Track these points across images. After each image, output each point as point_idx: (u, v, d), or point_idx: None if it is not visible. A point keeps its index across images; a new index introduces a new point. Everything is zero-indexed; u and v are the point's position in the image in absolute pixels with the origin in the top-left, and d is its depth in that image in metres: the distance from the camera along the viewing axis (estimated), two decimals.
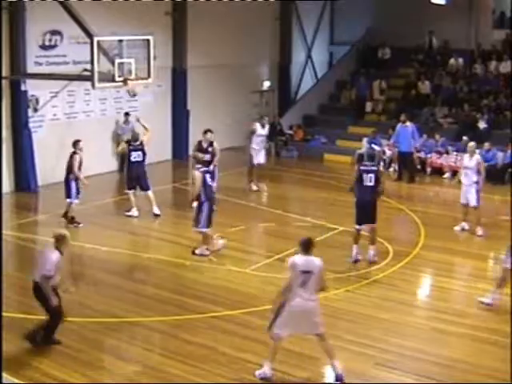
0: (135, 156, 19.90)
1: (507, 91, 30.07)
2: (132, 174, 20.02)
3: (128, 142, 20.28)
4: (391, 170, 27.37)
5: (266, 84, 33.00)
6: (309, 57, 36.63)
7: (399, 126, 26.19)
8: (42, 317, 11.71)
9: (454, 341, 12.38)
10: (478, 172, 19.12)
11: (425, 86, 31.59)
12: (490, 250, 18.07)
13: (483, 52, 32.58)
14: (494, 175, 25.19)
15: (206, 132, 20.40)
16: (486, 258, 17.55)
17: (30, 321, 12.17)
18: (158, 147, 26.75)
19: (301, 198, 22.83)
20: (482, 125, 28.10)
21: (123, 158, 21.38)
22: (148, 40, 18.89)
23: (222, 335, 12.23)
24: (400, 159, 26.35)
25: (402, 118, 26.18)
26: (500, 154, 26.32)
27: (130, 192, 20.09)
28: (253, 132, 23.65)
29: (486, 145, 26.20)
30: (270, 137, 30.66)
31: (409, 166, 26.16)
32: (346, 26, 36.46)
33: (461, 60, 32.35)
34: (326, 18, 37.29)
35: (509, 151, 26.12)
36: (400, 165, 26.35)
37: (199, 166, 17.02)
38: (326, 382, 11.10)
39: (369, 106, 31.81)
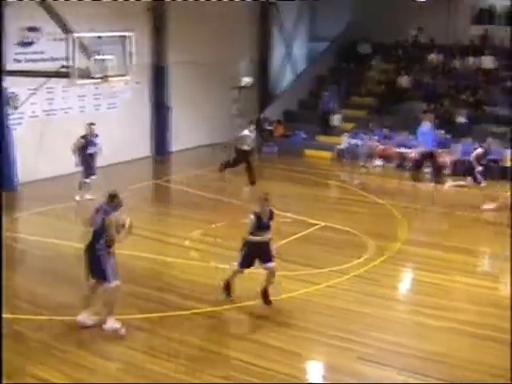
0: (91, 149, 20.94)
1: (486, 86, 30.25)
2: (90, 164, 20.98)
3: (84, 137, 20.94)
4: (376, 164, 27.56)
5: (245, 80, 32.95)
6: (288, 53, 36.66)
7: (423, 124, 25.31)
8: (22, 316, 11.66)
9: (435, 334, 12.40)
10: None
11: (404, 81, 31.68)
12: (471, 243, 18.18)
13: (462, 47, 32.74)
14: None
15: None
16: (467, 251, 17.62)
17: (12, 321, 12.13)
18: (137, 144, 26.74)
19: (282, 193, 22.79)
20: (460, 119, 28.21)
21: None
22: (127, 37, 18.82)
23: (204, 332, 12.22)
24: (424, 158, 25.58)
25: (428, 116, 25.64)
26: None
27: (88, 180, 20.95)
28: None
29: (467, 140, 26.34)
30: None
31: (434, 165, 25.61)
32: (325, 21, 36.47)
33: (440, 55, 32.49)
34: (305, 13, 37.35)
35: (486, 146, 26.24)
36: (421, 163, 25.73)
37: None
38: (307, 377, 11.14)
39: (337, 120, 31.14)
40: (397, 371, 10.96)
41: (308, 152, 29.42)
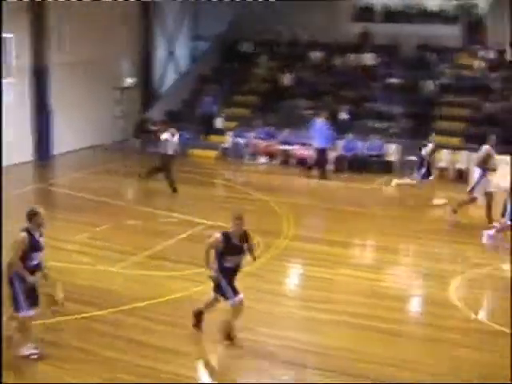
0: None
1: (366, 83, 30.85)
2: None
3: None
4: (261, 161, 27.77)
5: (128, 81, 32.72)
6: (171, 52, 36.54)
7: (318, 121, 25.70)
8: None
9: (325, 328, 12.53)
10: None
11: (287, 79, 31.96)
12: (355, 237, 18.54)
13: (343, 45, 33.28)
14: (356, 164, 26.02)
15: None
16: (351, 245, 17.97)
17: None
18: (17, 148, 26.10)
19: (168, 193, 22.69)
20: (342, 116, 28.65)
21: None
22: (6, 38, 18.39)
23: (92, 335, 12.02)
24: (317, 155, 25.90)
25: (323, 114, 25.87)
26: (361, 144, 27.01)
27: None
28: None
29: (349, 136, 26.79)
30: (135, 134, 30.55)
31: (322, 162, 25.83)
32: (207, 20, 36.55)
33: (321, 53, 32.92)
34: (187, 12, 37.31)
35: (371, 141, 26.82)
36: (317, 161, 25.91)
37: None
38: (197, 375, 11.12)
39: (219, 122, 31.01)
40: (287, 365, 11.03)
41: (193, 151, 29.31)
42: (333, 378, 10.71)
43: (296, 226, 19.12)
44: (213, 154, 28.99)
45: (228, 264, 11.57)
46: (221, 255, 11.54)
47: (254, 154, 28.31)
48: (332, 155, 26.39)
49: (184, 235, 17.87)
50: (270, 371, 10.95)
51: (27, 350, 11.10)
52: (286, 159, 27.74)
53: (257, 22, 33.10)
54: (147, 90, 34.53)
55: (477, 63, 30.66)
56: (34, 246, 10.84)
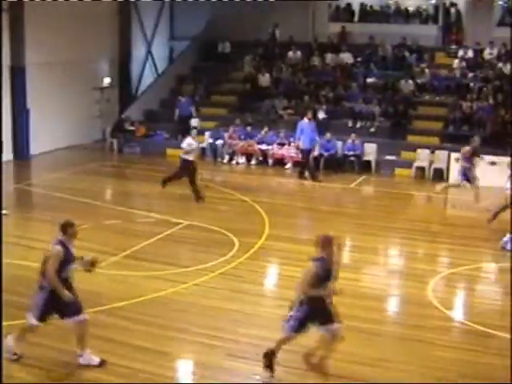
0: None
1: (344, 82, 30.93)
2: None
3: None
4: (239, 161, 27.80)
5: (106, 80, 32.65)
6: (149, 52, 36.49)
7: (303, 122, 25.54)
8: None
9: None
10: None
11: (265, 79, 31.97)
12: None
13: (321, 44, 33.35)
14: (333, 164, 26.12)
15: None
16: None
17: None
18: None
19: (145, 193, 22.68)
20: (321, 115, 28.69)
21: None
22: None
23: (71, 335, 11.97)
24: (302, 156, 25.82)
25: (308, 115, 25.72)
26: (339, 144, 27.08)
27: None
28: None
29: (327, 135, 26.83)
30: (113, 134, 30.48)
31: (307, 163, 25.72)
32: (186, 20, 36.50)
33: (299, 53, 32.97)
34: (166, 12, 37.29)
35: (349, 141, 26.88)
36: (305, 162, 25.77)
37: None
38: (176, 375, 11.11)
39: (195, 123, 30.38)
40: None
41: (170, 151, 29.20)
42: (310, 377, 10.73)
43: (273, 225, 19.12)
44: None
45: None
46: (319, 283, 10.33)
47: (232, 154, 28.30)
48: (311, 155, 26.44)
49: (162, 235, 17.86)
50: (247, 371, 10.97)
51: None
52: (264, 159, 27.75)
53: (235, 21, 33.10)
54: (125, 90, 34.45)
55: (455, 62, 30.79)
56: (68, 259, 10.75)
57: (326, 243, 10.57)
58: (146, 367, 10.91)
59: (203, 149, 28.91)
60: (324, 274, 10.29)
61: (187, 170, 21.75)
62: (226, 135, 28.60)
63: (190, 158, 21.81)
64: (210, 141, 29.07)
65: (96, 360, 10.95)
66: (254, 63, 33.45)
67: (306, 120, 25.42)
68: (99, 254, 13.72)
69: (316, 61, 32.82)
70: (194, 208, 20.41)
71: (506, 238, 17.33)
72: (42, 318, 10.84)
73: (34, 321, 10.83)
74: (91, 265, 11.14)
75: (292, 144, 26.82)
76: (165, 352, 11.48)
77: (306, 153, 25.35)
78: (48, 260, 10.67)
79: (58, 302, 10.67)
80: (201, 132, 29.61)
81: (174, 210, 20.33)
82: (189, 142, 21.93)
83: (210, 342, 11.90)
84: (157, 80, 35.33)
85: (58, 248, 10.67)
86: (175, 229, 18.45)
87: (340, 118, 29.25)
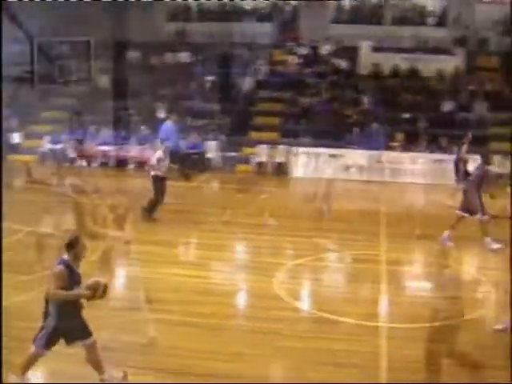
0: None
1: (183, 81, 30.95)
2: None
3: None
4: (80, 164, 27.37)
5: None
6: None
7: (167, 123, 25.29)
8: None
9: (160, 328, 12.33)
10: None
11: (104, 80, 31.52)
12: (178, 236, 18.48)
13: (159, 44, 33.22)
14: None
15: None
16: (176, 243, 17.92)
17: None
18: None
19: None
20: (161, 114, 28.52)
21: None
22: None
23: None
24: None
25: (172, 115, 25.61)
26: (180, 142, 26.97)
27: None
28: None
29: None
30: None
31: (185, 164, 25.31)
32: (26, 20, 35.45)
33: (138, 52, 32.75)
34: None
35: (191, 139, 26.94)
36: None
37: None
38: None
39: (17, 138, 29.57)
40: (123, 368, 10.75)
41: (9, 157, 28.24)
42: (161, 377, 10.60)
43: (119, 227, 18.87)
44: (33, 158, 28.20)
45: None
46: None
47: (73, 157, 27.78)
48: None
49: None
50: (90, 374, 10.64)
51: None
52: (106, 161, 27.39)
53: (70, 22, 32.45)
54: None
55: (291, 59, 31.32)
56: (73, 281, 9.79)
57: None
58: None
59: (44, 153, 28.23)
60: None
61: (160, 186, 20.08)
62: (66, 138, 27.97)
63: (160, 173, 20.03)
64: (49, 145, 28.42)
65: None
66: (85, 64, 32.92)
67: (170, 122, 25.29)
68: None
69: (154, 60, 32.65)
70: (34, 213, 19.82)
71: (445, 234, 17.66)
72: (48, 345, 9.92)
73: (40, 352, 9.94)
74: (103, 290, 9.97)
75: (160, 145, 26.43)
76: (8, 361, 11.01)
77: (175, 154, 25.12)
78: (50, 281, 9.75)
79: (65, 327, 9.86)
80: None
81: (13, 217, 19.60)
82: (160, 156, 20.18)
83: (58, 348, 11.48)
84: None
85: (60, 268, 9.72)
86: (16, 236, 17.80)
87: (180, 117, 29.18)
